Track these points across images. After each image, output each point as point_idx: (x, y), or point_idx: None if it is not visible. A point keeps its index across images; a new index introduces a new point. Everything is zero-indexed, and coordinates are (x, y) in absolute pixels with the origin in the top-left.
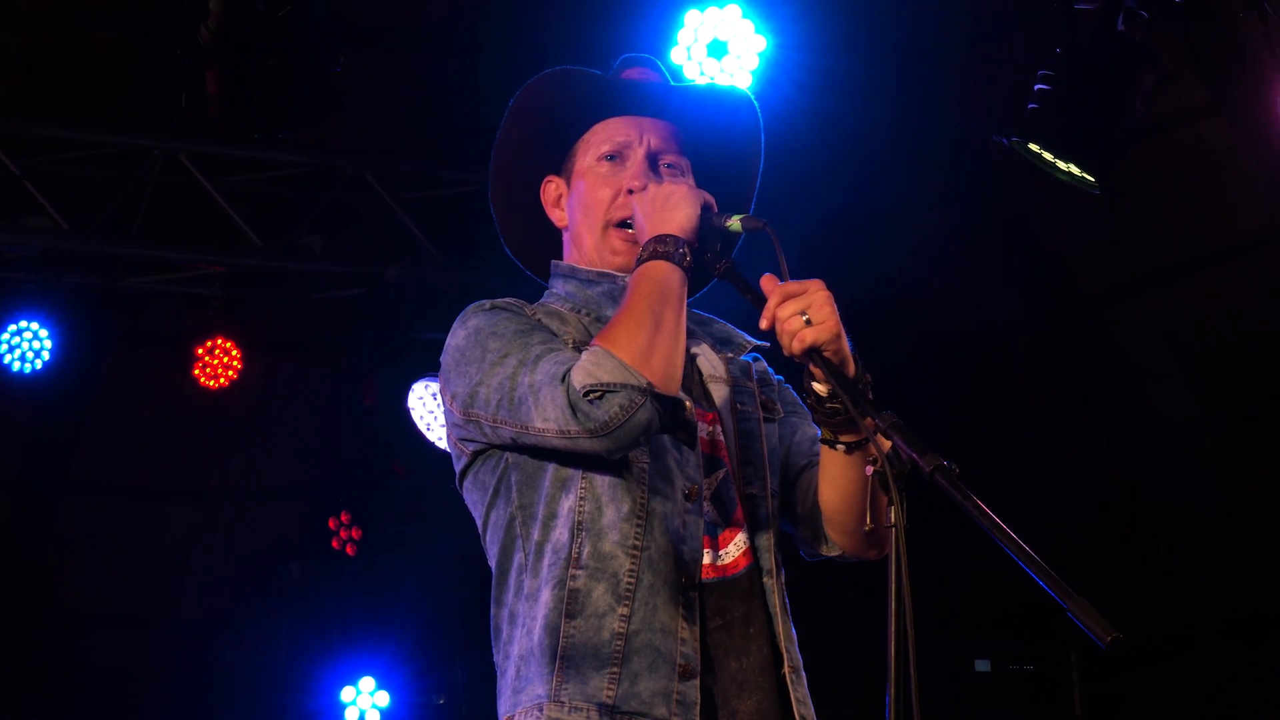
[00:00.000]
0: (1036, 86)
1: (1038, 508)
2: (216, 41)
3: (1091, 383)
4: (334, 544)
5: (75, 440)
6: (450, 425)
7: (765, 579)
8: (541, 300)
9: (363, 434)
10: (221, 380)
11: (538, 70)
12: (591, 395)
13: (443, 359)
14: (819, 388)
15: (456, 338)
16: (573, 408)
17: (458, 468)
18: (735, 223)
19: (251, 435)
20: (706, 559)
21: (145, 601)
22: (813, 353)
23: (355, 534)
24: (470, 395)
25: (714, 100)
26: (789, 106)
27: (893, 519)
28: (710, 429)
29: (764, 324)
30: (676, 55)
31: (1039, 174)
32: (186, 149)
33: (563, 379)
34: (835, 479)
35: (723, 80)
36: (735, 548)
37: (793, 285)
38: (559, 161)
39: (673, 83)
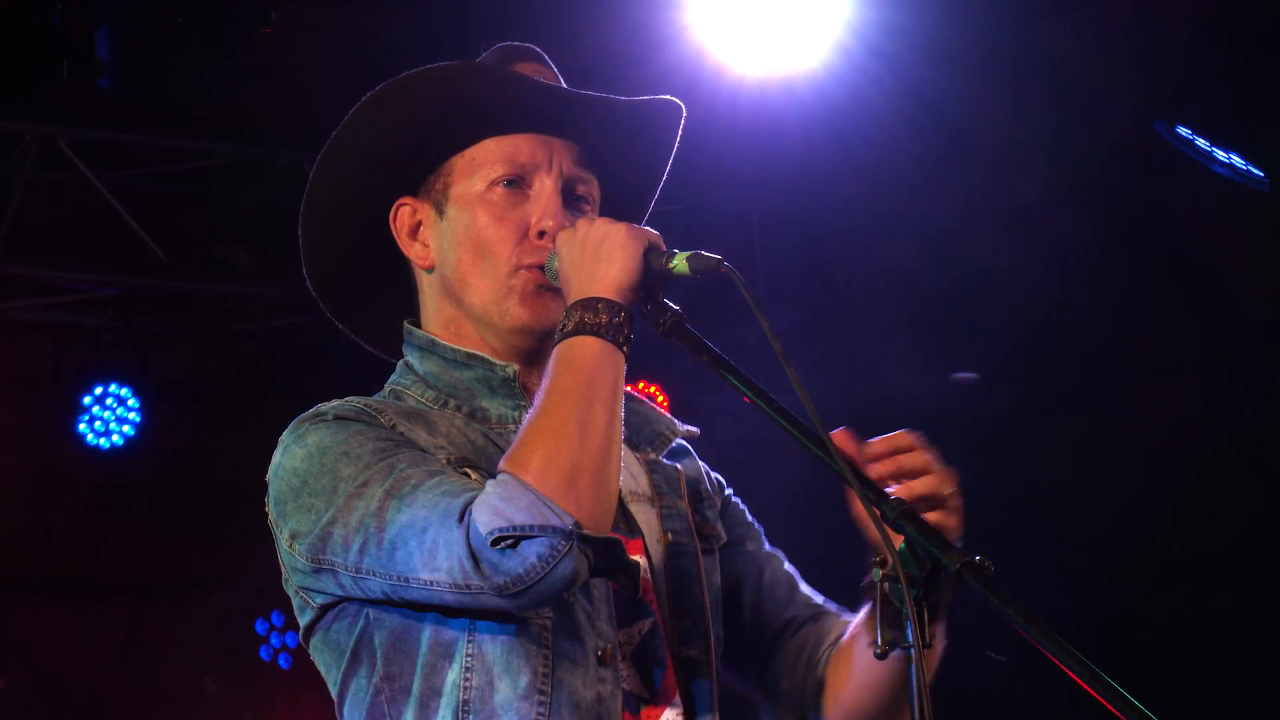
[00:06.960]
0: (1188, 52)
1: (1178, 613)
2: None
3: (1257, 441)
4: (262, 654)
5: None
6: (289, 569)
7: None
8: (392, 384)
9: None
10: (114, 437)
11: (516, 31)
12: (503, 543)
13: (272, 482)
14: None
15: (292, 458)
16: (475, 557)
17: (301, 620)
18: (681, 263)
19: (153, 509)
20: None
21: None
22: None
23: (289, 641)
24: (320, 538)
25: (637, 115)
26: (865, 80)
27: (911, 638)
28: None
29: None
30: (691, 13)
31: (1191, 166)
32: (69, 134)
33: (461, 517)
34: (873, 684)
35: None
36: None
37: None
38: (414, 180)
39: (585, 91)
